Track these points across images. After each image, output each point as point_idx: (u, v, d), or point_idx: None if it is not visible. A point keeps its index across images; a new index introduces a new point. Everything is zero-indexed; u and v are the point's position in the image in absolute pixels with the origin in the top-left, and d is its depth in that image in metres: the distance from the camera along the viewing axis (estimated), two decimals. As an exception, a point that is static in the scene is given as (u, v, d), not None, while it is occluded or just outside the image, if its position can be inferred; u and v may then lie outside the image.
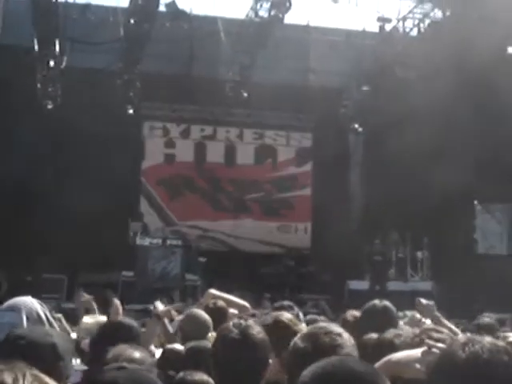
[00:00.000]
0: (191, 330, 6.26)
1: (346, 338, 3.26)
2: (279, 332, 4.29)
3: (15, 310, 3.53)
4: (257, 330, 3.73)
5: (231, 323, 3.88)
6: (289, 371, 3.14)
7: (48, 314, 3.58)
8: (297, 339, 3.25)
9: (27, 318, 3.50)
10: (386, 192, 22.74)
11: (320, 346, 3.09)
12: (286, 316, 4.70)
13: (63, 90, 23.45)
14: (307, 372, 2.29)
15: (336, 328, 3.44)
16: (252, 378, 3.43)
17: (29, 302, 3.61)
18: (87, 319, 7.11)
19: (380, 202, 23.10)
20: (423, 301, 6.59)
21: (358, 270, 22.56)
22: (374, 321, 5.42)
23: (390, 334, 4.50)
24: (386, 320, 5.45)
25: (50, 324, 3.57)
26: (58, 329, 3.46)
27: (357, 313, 6.49)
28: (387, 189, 22.78)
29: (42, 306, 3.62)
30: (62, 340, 3.05)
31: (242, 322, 3.88)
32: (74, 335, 6.67)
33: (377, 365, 3.26)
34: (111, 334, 4.46)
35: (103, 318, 7.12)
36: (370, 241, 22.35)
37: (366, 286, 21.26)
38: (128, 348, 3.56)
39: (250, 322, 4.03)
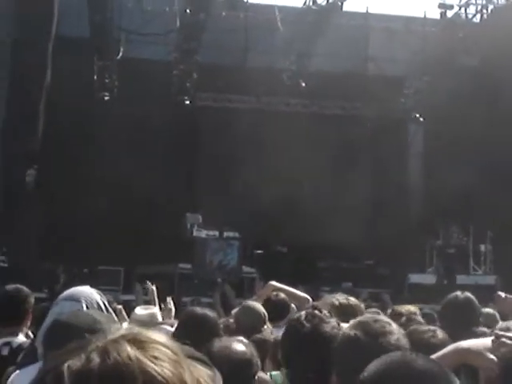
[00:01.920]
0: (247, 321, 6.08)
1: (395, 326, 3.06)
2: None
3: (75, 299, 3.40)
4: (331, 326, 3.47)
5: (302, 316, 3.60)
6: (339, 360, 2.98)
7: (107, 304, 3.36)
8: (346, 328, 3.12)
9: (87, 308, 3.31)
10: (447, 183, 22.18)
11: (370, 331, 2.94)
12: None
13: (119, 81, 23.39)
14: (370, 369, 2.14)
15: (385, 318, 3.31)
16: (323, 371, 3.20)
17: (88, 291, 3.44)
18: (139, 310, 6.93)
19: (441, 194, 22.55)
20: (502, 294, 6.23)
21: (420, 263, 22.09)
22: (456, 313, 5.14)
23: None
24: (467, 313, 5.17)
25: (109, 313, 3.36)
26: (116, 318, 3.24)
27: (413, 308, 6.30)
28: (448, 180, 22.21)
29: (100, 295, 3.40)
30: (111, 327, 2.81)
31: (316, 314, 3.61)
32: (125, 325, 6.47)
33: (444, 351, 3.20)
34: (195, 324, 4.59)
35: (156, 310, 6.96)
36: (432, 233, 21.86)
37: (428, 279, 20.79)
38: (232, 341, 3.59)
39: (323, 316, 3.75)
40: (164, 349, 1.32)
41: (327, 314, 3.79)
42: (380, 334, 2.92)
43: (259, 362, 3.49)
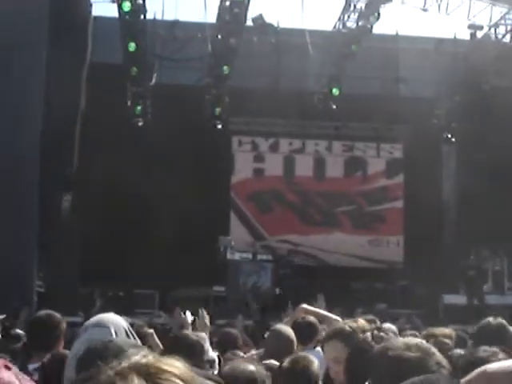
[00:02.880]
0: (275, 345, 6.14)
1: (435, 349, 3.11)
2: None
3: (103, 325, 3.48)
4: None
5: (369, 336, 3.78)
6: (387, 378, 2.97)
7: (132, 331, 3.49)
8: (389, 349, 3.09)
9: (115, 334, 3.42)
10: (480, 202, 22.10)
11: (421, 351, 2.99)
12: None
13: (153, 106, 23.67)
14: None
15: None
16: None
17: (114, 318, 3.54)
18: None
19: (474, 213, 22.46)
20: None
21: (453, 283, 21.97)
22: (488, 339, 5.15)
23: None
24: (499, 338, 5.18)
25: (135, 339, 3.49)
26: (140, 343, 3.36)
27: (447, 330, 6.27)
28: (481, 199, 22.13)
29: (126, 321, 3.53)
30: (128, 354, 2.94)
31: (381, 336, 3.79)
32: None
33: (471, 375, 3.10)
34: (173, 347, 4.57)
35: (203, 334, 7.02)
36: (465, 254, 21.76)
37: (462, 300, 20.66)
38: (244, 362, 3.74)
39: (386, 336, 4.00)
40: (175, 379, 1.35)
41: (389, 335, 3.93)
42: (428, 354, 2.98)
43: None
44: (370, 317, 7.81)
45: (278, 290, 21.20)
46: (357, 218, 25.98)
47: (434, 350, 3.04)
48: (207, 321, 6.97)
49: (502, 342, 5.02)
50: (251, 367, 3.61)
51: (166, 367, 1.36)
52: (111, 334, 3.39)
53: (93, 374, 1.37)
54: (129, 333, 3.48)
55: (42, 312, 5.81)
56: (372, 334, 3.90)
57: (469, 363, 3.92)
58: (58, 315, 5.64)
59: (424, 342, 3.14)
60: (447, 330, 6.34)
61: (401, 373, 2.64)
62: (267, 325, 7.51)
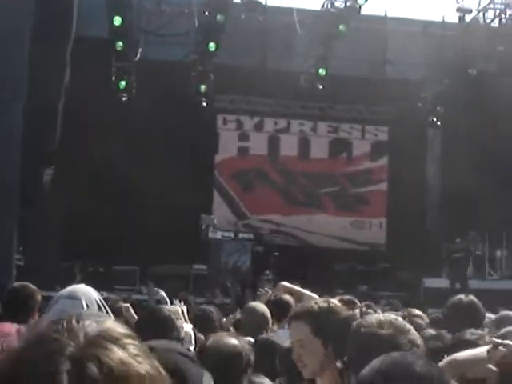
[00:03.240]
0: (249, 321, 6.14)
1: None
2: None
3: (74, 297, 3.43)
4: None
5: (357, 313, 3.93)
6: (357, 352, 2.96)
7: (103, 302, 3.42)
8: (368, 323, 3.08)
9: (87, 306, 3.36)
10: (464, 187, 22.10)
11: (396, 328, 2.98)
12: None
13: (137, 82, 23.47)
14: (371, 367, 2.14)
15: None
16: None
17: (86, 289, 3.49)
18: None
19: (458, 198, 22.49)
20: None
21: (435, 267, 22.01)
22: (459, 316, 5.17)
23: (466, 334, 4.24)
24: (471, 316, 5.19)
25: (107, 312, 3.41)
26: (112, 317, 3.28)
27: (420, 312, 6.35)
28: (465, 184, 22.12)
29: (97, 293, 3.46)
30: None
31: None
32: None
33: (441, 364, 3.12)
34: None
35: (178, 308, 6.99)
36: (448, 238, 21.78)
37: (443, 283, 20.69)
38: (226, 336, 3.72)
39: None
40: (133, 341, 1.34)
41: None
42: (401, 331, 2.96)
43: (252, 359, 3.52)
44: (348, 297, 7.81)
45: (267, 272, 21.11)
46: (340, 199, 25.97)
47: (408, 327, 3.02)
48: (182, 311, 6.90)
49: (472, 318, 5.07)
50: (234, 341, 3.58)
51: (122, 330, 1.36)
52: (82, 306, 3.35)
53: (53, 346, 1.28)
54: (101, 305, 3.41)
55: (17, 283, 5.82)
56: (361, 311, 3.86)
57: (456, 344, 3.88)
58: (32, 286, 5.64)
59: (399, 319, 3.10)
60: (420, 312, 6.37)
61: (372, 350, 2.58)
62: (245, 303, 7.47)
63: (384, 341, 2.86)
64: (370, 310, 3.91)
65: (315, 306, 3.61)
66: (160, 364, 1.36)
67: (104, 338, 1.31)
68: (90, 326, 1.34)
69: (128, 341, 1.33)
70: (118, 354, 1.28)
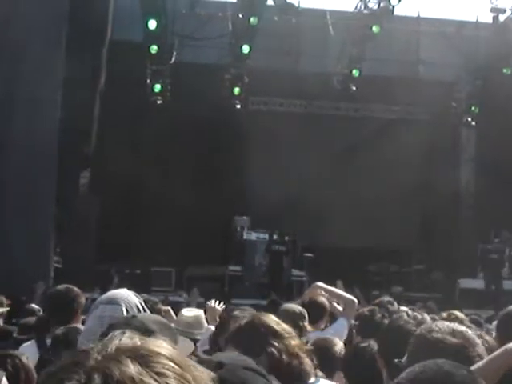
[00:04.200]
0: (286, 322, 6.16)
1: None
2: None
3: (114, 303, 3.46)
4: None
5: (405, 315, 3.90)
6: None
7: (144, 306, 3.48)
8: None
9: (127, 311, 3.42)
10: (498, 188, 21.99)
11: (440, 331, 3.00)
12: None
13: (172, 85, 23.64)
14: (410, 373, 2.21)
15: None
16: None
17: (126, 294, 3.52)
18: (186, 312, 7.07)
19: (493, 198, 22.34)
20: None
21: (471, 268, 21.88)
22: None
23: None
24: None
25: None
26: (172, 327, 3.35)
27: (460, 314, 6.23)
28: (500, 184, 22.02)
29: (138, 297, 3.52)
30: (162, 329, 2.96)
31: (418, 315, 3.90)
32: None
33: (494, 354, 3.14)
34: None
35: (201, 312, 7.07)
36: (483, 238, 21.65)
37: (479, 284, 20.59)
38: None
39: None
40: (167, 362, 1.30)
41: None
42: (471, 344, 2.96)
43: None
44: (387, 298, 7.80)
45: (294, 271, 21.14)
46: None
47: (478, 341, 3.00)
48: (217, 313, 6.92)
49: None
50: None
51: (156, 349, 1.33)
52: (122, 311, 3.39)
53: (79, 358, 1.32)
54: (141, 310, 3.47)
55: (61, 286, 5.85)
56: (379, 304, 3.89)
57: None
58: (76, 289, 5.68)
59: (469, 331, 3.07)
60: (461, 314, 6.29)
61: (440, 356, 2.59)
62: (280, 304, 7.53)
63: (453, 350, 2.87)
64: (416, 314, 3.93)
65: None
66: (228, 381, 1.36)
67: (124, 353, 1.30)
68: (124, 341, 1.35)
69: (158, 359, 1.31)
70: (131, 369, 1.27)
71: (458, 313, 6.32)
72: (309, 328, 6.29)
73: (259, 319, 3.41)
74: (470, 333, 3.02)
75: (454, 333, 2.94)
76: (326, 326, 7.01)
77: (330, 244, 24.95)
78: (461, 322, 6.04)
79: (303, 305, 6.74)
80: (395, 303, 7.63)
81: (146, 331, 2.81)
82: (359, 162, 23.43)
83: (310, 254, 21.98)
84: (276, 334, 3.33)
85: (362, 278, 21.53)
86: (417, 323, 3.69)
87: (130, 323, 2.96)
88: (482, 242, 21.58)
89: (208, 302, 7.32)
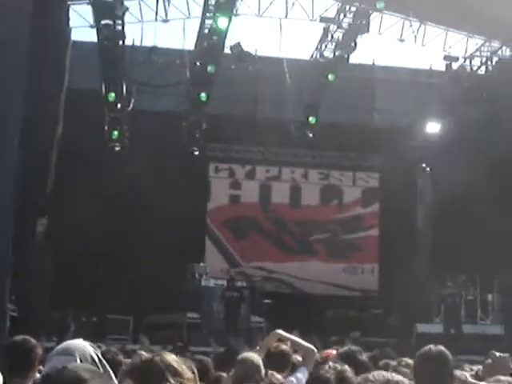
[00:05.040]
0: (240, 372, 6.15)
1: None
2: None
3: (69, 353, 3.42)
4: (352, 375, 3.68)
5: (327, 366, 3.98)
6: None
7: (100, 357, 3.46)
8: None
9: (81, 361, 3.39)
10: (454, 233, 22.25)
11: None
12: None
13: (130, 132, 23.69)
14: None
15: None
16: None
17: (81, 345, 3.49)
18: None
19: (448, 243, 22.60)
20: (497, 354, 6.22)
21: (427, 312, 22.04)
22: (428, 366, 5.18)
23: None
24: (439, 366, 5.21)
25: (104, 367, 3.46)
26: (110, 371, 3.34)
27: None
28: (456, 230, 22.28)
29: (94, 348, 3.50)
30: (94, 377, 2.97)
31: (338, 365, 3.97)
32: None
33: None
34: None
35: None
36: (439, 282, 21.85)
37: (436, 328, 20.71)
38: None
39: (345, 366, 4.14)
40: None
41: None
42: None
43: None
44: (355, 348, 7.78)
45: (252, 317, 21.09)
46: (332, 245, 26.07)
47: None
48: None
49: (441, 369, 5.06)
50: None
51: None
52: (76, 362, 3.37)
53: None
54: (96, 360, 3.45)
55: (18, 337, 5.80)
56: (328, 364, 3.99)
57: None
58: (33, 340, 5.64)
59: (406, 381, 3.04)
60: (411, 360, 6.37)
61: None
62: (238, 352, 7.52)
63: None
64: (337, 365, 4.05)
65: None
66: None
67: None
68: None
69: None
70: None
71: (408, 360, 6.41)
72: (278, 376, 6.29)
73: (160, 356, 3.46)
74: (407, 383, 3.00)
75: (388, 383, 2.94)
76: (287, 375, 7.02)
77: (290, 290, 25.07)
78: (410, 368, 6.13)
79: (269, 353, 6.76)
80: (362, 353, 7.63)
81: (79, 380, 2.83)
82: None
83: (268, 301, 21.96)
84: (175, 372, 3.37)
85: (320, 323, 21.61)
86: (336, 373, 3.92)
87: (61, 374, 2.97)
88: (439, 287, 21.77)
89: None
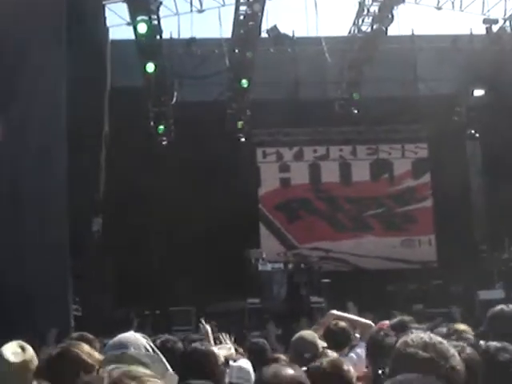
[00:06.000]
0: (296, 351, 6.19)
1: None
2: None
3: (123, 347, 3.47)
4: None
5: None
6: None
7: (153, 347, 3.52)
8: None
9: None
10: (509, 198, 21.98)
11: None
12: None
13: (176, 125, 23.86)
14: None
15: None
16: None
17: (133, 337, 3.55)
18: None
19: (504, 209, 22.34)
20: None
21: (488, 279, 21.83)
22: (501, 327, 5.13)
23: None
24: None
25: (158, 356, 3.52)
26: (164, 360, 3.40)
27: (463, 327, 6.25)
28: (510, 194, 22.01)
29: (146, 338, 3.57)
30: (154, 362, 3.05)
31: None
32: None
33: None
34: None
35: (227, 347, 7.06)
36: (498, 248, 21.62)
37: (499, 294, 20.50)
38: (283, 366, 3.68)
39: None
40: (156, 380, 1.75)
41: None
42: (443, 356, 3.01)
43: None
44: (408, 318, 7.79)
45: (312, 298, 21.09)
46: (387, 220, 25.93)
47: (452, 352, 3.04)
48: (231, 348, 6.98)
49: None
50: (291, 371, 3.58)
51: (146, 372, 1.81)
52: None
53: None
54: (150, 351, 3.51)
55: (75, 333, 5.90)
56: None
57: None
58: (90, 335, 5.74)
59: (444, 342, 3.10)
60: (464, 326, 6.32)
61: (413, 370, 2.75)
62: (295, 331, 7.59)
63: (424, 364, 2.93)
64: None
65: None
66: None
67: (126, 377, 1.70)
68: (115, 370, 1.74)
69: (149, 379, 1.73)
70: None
71: (461, 326, 6.37)
72: (334, 354, 6.33)
73: (70, 350, 3.40)
74: (445, 345, 3.05)
75: (426, 346, 2.99)
76: (348, 352, 7.06)
77: (348, 268, 25.03)
78: (460, 333, 6.08)
79: (328, 331, 6.82)
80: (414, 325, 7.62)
81: (140, 363, 2.91)
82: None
83: (327, 280, 21.98)
84: (86, 365, 3.35)
85: (381, 298, 21.55)
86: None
87: (120, 359, 3.04)
88: (498, 252, 21.55)
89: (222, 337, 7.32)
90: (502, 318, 5.45)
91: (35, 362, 3.62)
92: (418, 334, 3.18)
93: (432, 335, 3.21)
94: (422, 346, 3.01)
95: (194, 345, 5.48)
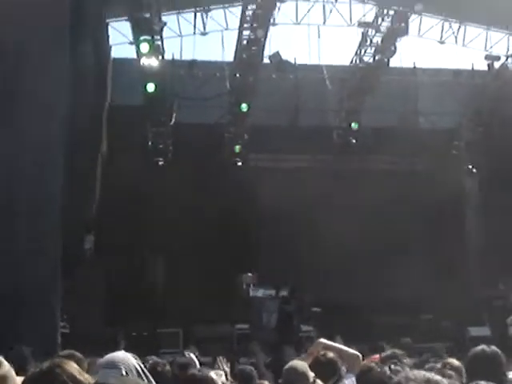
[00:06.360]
0: (292, 380, 6.13)
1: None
2: None
3: (114, 367, 3.43)
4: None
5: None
6: None
7: (143, 368, 3.47)
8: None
9: (126, 374, 3.41)
10: (504, 235, 21.93)
11: None
12: None
13: (173, 146, 23.81)
14: None
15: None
16: None
17: (125, 357, 3.51)
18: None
19: (498, 245, 22.27)
20: None
21: (478, 315, 21.75)
22: (480, 367, 5.13)
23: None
24: (492, 367, 5.15)
25: (147, 377, 3.48)
26: (153, 382, 3.34)
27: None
28: (505, 231, 21.96)
29: (136, 359, 3.51)
30: None
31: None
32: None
33: None
34: None
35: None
36: (490, 285, 21.55)
37: (487, 332, 20.43)
38: None
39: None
40: None
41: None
42: None
43: None
44: (399, 351, 7.75)
45: (302, 326, 20.97)
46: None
47: None
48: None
49: (493, 370, 5.01)
50: None
51: None
52: (122, 375, 3.37)
53: None
54: (140, 372, 3.46)
55: (64, 352, 5.86)
56: (389, 367, 3.94)
57: None
58: (78, 354, 5.69)
59: (445, 381, 3.09)
60: (457, 362, 6.35)
61: None
62: (285, 361, 7.52)
63: None
64: (398, 367, 3.96)
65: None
66: None
67: None
68: None
69: None
70: None
71: (454, 361, 6.36)
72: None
73: (59, 367, 3.33)
74: (444, 382, 3.03)
75: (429, 382, 2.97)
76: (334, 383, 7.00)
77: (338, 298, 24.86)
78: (456, 370, 6.05)
79: (316, 361, 6.76)
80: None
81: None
82: (363, 216, 23.37)
83: (317, 309, 21.84)
84: (76, 382, 3.28)
85: (369, 330, 21.38)
86: None
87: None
88: (489, 289, 21.50)
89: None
90: (483, 359, 5.44)
91: (12, 377, 3.52)
92: (420, 371, 3.15)
93: (433, 374, 3.18)
94: (425, 381, 2.98)
95: (192, 371, 5.48)
